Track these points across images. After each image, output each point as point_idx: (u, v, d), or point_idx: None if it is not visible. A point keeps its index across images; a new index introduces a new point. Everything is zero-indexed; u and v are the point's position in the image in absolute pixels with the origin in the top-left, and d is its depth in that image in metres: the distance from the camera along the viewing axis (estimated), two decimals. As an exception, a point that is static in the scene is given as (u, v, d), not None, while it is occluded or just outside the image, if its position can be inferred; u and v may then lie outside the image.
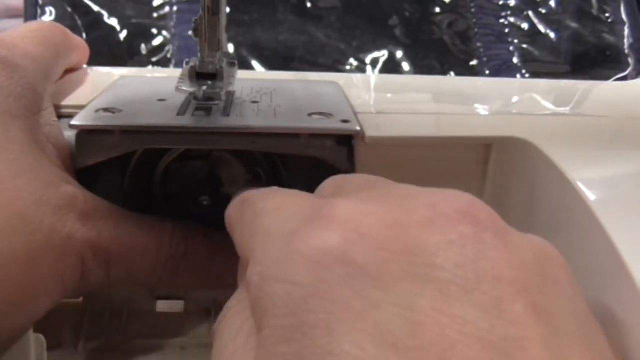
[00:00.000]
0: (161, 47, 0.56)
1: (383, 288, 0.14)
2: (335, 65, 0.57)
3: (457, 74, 0.57)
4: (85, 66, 0.36)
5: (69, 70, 0.33)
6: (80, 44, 0.34)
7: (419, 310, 0.14)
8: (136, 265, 0.25)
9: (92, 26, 0.56)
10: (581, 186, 0.23)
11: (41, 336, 0.25)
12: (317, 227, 0.16)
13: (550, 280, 0.15)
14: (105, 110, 0.26)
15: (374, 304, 0.14)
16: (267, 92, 0.30)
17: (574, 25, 0.60)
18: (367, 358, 0.13)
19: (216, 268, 0.27)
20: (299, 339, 0.14)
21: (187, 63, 0.27)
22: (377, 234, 0.15)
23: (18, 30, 0.29)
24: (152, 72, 0.45)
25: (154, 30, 0.56)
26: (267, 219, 0.18)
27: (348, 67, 0.57)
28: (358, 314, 0.14)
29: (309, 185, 0.29)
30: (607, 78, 0.58)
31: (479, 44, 0.59)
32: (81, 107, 0.28)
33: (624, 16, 0.61)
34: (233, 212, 0.22)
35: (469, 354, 0.13)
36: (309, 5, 0.59)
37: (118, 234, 0.25)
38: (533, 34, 0.60)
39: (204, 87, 0.27)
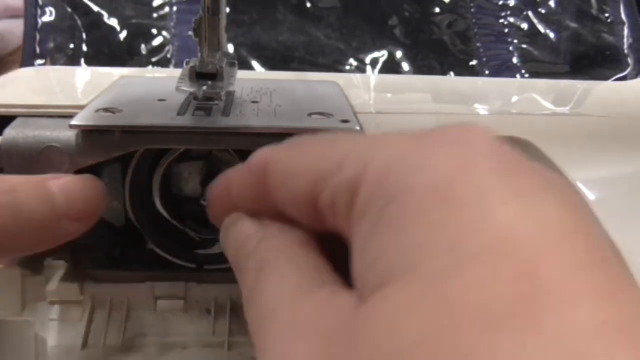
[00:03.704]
0: (161, 47, 0.56)
1: None
2: (335, 65, 0.57)
3: (456, 74, 0.57)
4: (85, 66, 0.36)
5: None
6: None
7: None
8: None
9: (92, 26, 0.56)
10: (581, 186, 0.23)
11: (42, 336, 0.25)
12: None
13: None
14: (105, 110, 0.26)
15: None
16: (267, 92, 0.30)
17: (573, 25, 0.60)
18: None
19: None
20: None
21: (187, 63, 0.27)
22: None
23: None
24: (152, 72, 0.45)
25: (154, 30, 0.56)
26: None
27: (348, 67, 0.57)
28: None
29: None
30: (606, 78, 0.58)
31: (478, 44, 0.59)
32: None
33: (623, 16, 0.61)
34: None
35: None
36: (308, 5, 0.59)
37: None
38: (532, 34, 0.60)
39: (204, 87, 0.27)
